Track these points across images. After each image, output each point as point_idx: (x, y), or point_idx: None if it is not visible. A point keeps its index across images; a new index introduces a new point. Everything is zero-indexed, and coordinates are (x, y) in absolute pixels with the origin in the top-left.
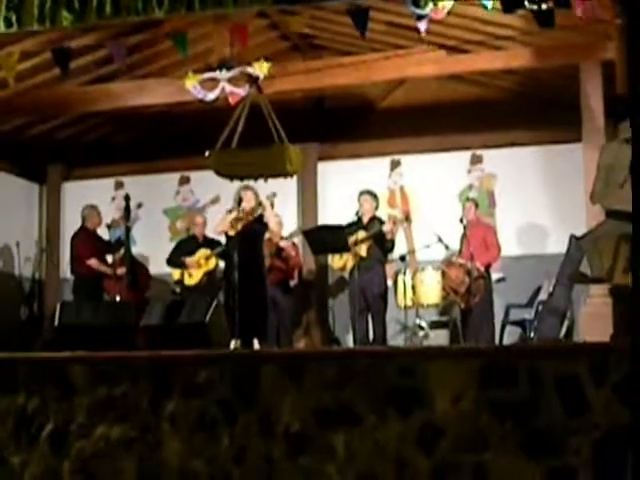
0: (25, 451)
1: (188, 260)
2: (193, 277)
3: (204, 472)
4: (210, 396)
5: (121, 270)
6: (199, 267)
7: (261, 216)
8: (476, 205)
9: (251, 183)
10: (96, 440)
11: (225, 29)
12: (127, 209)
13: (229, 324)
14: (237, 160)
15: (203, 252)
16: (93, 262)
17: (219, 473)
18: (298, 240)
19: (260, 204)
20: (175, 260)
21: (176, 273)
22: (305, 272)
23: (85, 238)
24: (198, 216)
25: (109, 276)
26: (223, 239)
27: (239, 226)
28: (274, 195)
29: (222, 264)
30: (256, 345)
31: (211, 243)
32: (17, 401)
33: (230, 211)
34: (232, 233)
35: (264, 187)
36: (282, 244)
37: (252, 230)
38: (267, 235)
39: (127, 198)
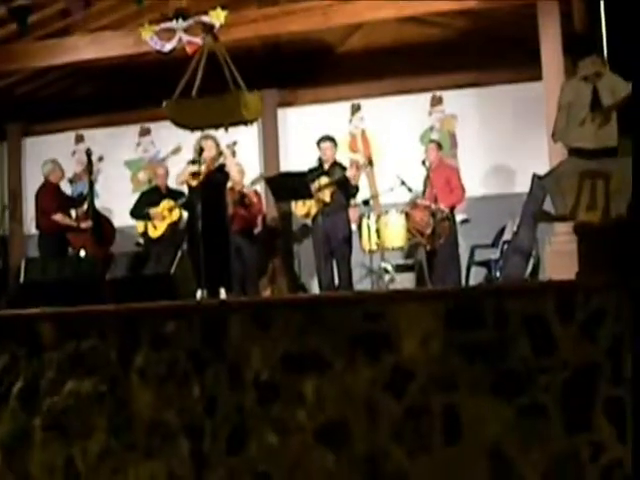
0: None
1: (152, 212)
2: (157, 229)
3: (175, 423)
4: (179, 347)
5: (86, 224)
6: (163, 219)
7: (222, 165)
8: (439, 146)
9: (212, 132)
10: (66, 395)
11: None
12: (89, 163)
13: (195, 274)
14: (193, 109)
15: (166, 203)
16: (58, 217)
17: (191, 424)
18: (260, 187)
19: (221, 153)
20: (139, 212)
21: (140, 225)
22: (269, 219)
23: (49, 193)
24: (160, 167)
25: (74, 230)
26: (186, 189)
27: (200, 176)
28: (234, 144)
29: (186, 215)
30: (222, 294)
31: (174, 194)
32: None
33: (192, 162)
34: (194, 183)
35: (225, 136)
36: (244, 191)
37: (213, 180)
38: (229, 184)
39: (89, 153)
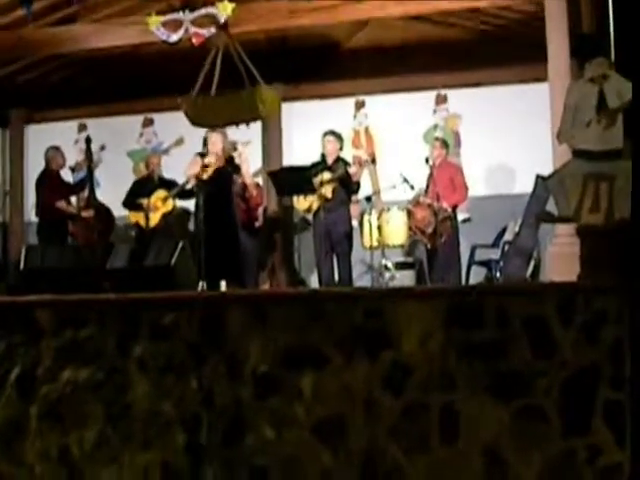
0: None
1: (145, 202)
2: (151, 219)
3: (173, 414)
4: (178, 338)
5: (87, 212)
6: (156, 209)
7: (231, 158)
8: (445, 145)
9: None
10: (63, 384)
11: None
12: (89, 151)
13: (197, 266)
14: (210, 106)
15: (160, 193)
16: (62, 204)
17: (188, 415)
18: (261, 180)
19: (236, 149)
20: (131, 202)
21: (133, 216)
22: (270, 213)
23: (50, 180)
24: (153, 156)
25: (74, 219)
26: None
27: (210, 169)
28: (248, 143)
29: (181, 205)
30: (223, 287)
31: (166, 183)
32: None
33: (201, 154)
34: (205, 176)
35: (232, 130)
36: (247, 181)
37: (224, 172)
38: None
39: (88, 140)
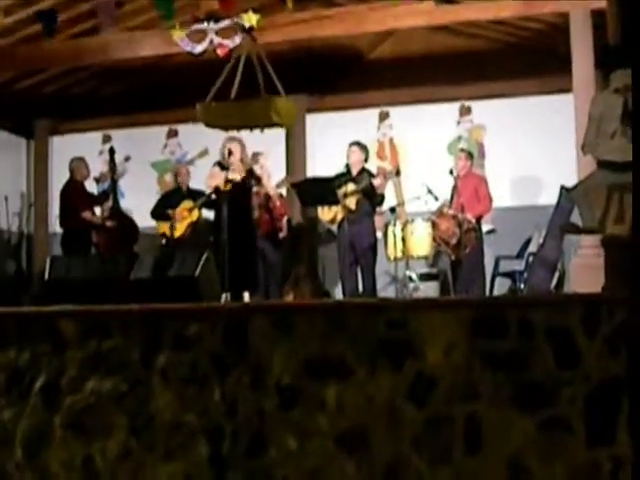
0: (16, 406)
1: (172, 212)
2: (177, 229)
3: (196, 425)
4: (201, 349)
5: (110, 223)
6: (183, 219)
7: (252, 169)
8: (470, 156)
9: (236, 134)
10: (87, 394)
11: None
12: (112, 162)
13: (220, 278)
14: (224, 112)
15: (186, 204)
16: (87, 214)
17: (211, 426)
18: (285, 191)
19: (257, 161)
20: (159, 212)
21: (161, 226)
22: (294, 224)
23: (74, 191)
24: (182, 167)
25: (98, 229)
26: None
27: (233, 182)
28: (264, 153)
29: (207, 215)
30: (246, 298)
31: (194, 194)
32: (8, 356)
33: (219, 165)
34: (227, 188)
35: (254, 141)
36: (270, 192)
37: (244, 183)
38: (255, 188)
39: (112, 151)
